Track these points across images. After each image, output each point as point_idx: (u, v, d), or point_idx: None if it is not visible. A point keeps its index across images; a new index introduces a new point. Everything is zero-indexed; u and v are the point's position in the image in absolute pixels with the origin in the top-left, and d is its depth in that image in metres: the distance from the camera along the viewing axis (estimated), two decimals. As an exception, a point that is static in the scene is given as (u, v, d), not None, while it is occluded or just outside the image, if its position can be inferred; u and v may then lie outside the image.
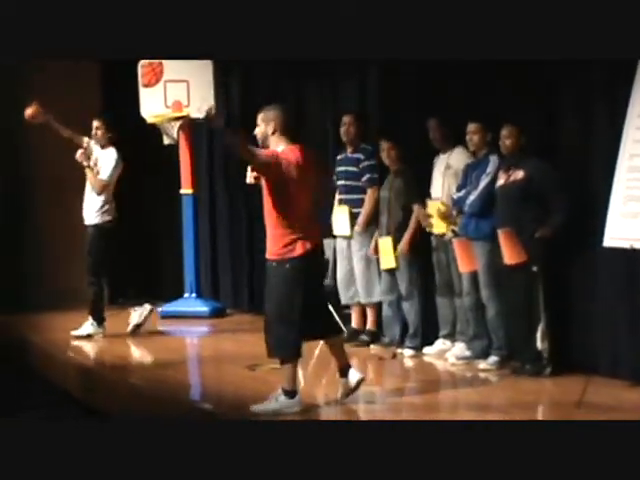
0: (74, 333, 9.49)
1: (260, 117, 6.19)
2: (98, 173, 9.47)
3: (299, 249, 6.06)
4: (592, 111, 7.09)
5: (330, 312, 6.53)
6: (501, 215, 7.29)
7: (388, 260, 8.37)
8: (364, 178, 8.75)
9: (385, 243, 8.38)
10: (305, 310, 6.09)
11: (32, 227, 11.83)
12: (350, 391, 6.35)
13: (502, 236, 7.16)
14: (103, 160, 9.53)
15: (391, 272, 8.45)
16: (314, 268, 6.22)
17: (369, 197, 8.72)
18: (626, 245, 6.48)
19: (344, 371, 6.37)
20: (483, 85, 7.85)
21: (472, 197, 7.55)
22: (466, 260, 7.62)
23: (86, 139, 9.62)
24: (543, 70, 7.27)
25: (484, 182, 7.50)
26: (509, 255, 7.12)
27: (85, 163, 9.46)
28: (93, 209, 9.56)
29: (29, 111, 9.42)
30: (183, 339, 10.04)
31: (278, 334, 6.10)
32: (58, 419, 7.19)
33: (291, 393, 6.11)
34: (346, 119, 8.87)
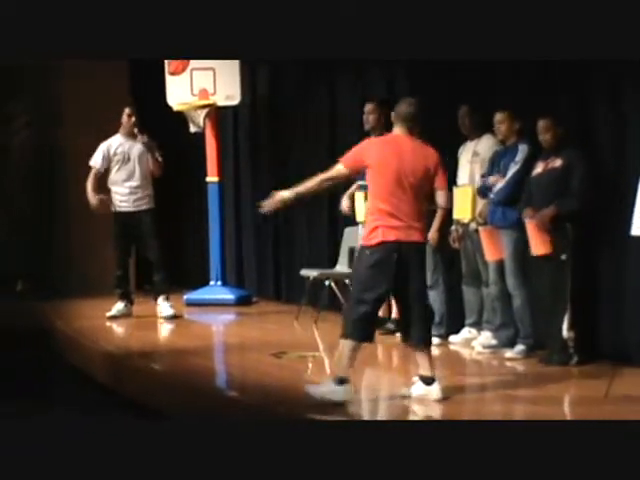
0: (165, 315, 9.66)
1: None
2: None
3: (377, 237, 5.93)
4: (623, 100, 7.04)
5: (420, 318, 6.07)
6: (536, 204, 7.21)
7: None
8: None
9: None
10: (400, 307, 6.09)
11: (60, 214, 11.89)
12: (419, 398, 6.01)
13: (530, 226, 7.12)
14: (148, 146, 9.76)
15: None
16: (395, 264, 5.89)
17: None
18: (654, 234, 6.43)
19: (426, 380, 6.03)
20: (514, 74, 7.81)
21: (500, 185, 7.51)
22: (492, 249, 7.59)
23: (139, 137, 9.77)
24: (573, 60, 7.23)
25: (512, 170, 7.46)
26: (535, 246, 7.09)
27: (152, 144, 9.66)
28: (146, 194, 9.74)
29: (94, 202, 9.58)
30: (209, 327, 10.06)
31: (350, 315, 5.97)
32: (85, 407, 7.22)
33: (341, 380, 5.93)
34: (367, 107, 8.84)
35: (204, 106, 10.59)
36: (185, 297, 10.78)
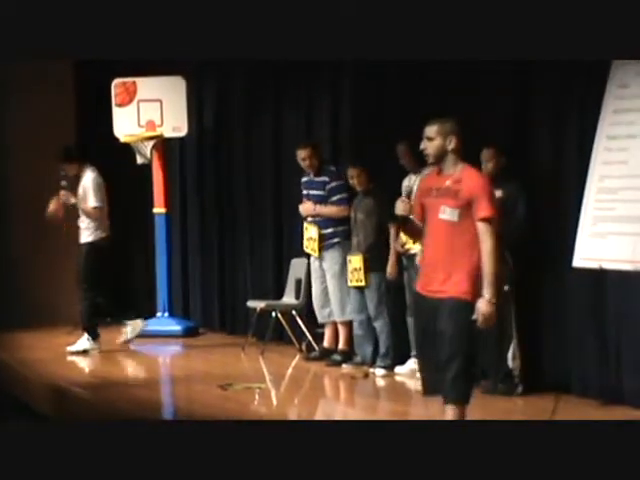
0: (70, 349, 9.57)
1: (434, 130, 5.50)
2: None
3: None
4: (563, 132, 7.17)
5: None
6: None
7: (357, 277, 8.39)
8: (334, 198, 8.79)
9: (355, 260, 8.39)
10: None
11: (6, 244, 11.79)
12: None
13: None
14: (84, 186, 9.62)
15: (360, 291, 8.47)
16: None
17: (339, 212, 8.79)
18: (595, 265, 6.54)
19: None
20: (451, 106, 7.90)
21: None
22: None
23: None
24: (514, 90, 7.35)
25: None
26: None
27: (71, 201, 9.59)
28: (85, 228, 9.69)
29: (52, 207, 9.58)
30: (155, 358, 10.03)
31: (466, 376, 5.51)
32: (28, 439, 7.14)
33: None
34: (302, 154, 8.91)
35: (151, 137, 10.59)
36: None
